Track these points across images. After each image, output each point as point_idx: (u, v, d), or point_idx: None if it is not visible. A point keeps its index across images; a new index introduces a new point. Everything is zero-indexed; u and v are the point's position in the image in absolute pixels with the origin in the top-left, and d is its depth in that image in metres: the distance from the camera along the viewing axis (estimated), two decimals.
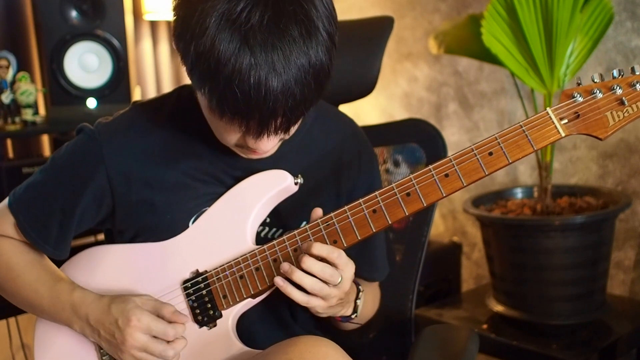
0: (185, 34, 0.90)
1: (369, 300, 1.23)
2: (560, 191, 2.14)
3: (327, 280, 0.98)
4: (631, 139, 2.19)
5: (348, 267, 1.02)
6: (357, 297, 1.11)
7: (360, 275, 1.16)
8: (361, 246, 1.07)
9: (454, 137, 2.70)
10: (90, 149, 1.10)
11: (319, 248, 0.99)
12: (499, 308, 2.05)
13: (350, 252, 1.04)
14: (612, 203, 1.99)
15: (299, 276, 0.98)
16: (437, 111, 2.77)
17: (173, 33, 0.94)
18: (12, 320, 2.27)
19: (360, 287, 1.13)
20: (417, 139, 1.43)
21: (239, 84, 0.87)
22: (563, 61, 1.89)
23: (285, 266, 1.00)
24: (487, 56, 1.98)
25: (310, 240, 1.02)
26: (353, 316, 1.12)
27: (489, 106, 2.59)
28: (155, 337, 1.02)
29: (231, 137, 0.99)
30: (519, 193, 2.24)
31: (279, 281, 1.00)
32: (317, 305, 1.01)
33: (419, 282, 1.39)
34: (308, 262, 0.98)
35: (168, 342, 1.03)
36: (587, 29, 1.90)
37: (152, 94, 2.90)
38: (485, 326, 2.06)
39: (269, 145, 0.98)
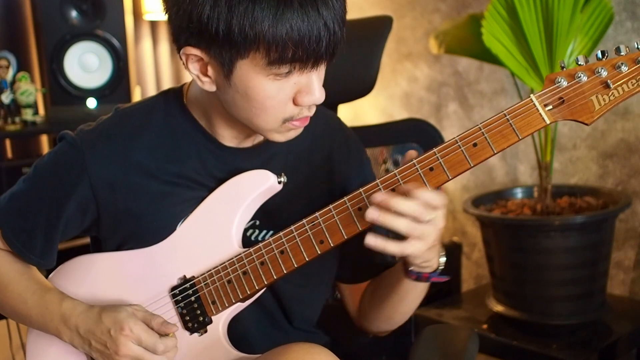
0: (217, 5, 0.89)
1: None
2: (560, 191, 2.14)
3: (419, 218, 0.92)
4: (631, 139, 2.19)
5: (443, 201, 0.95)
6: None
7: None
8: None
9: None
10: (72, 158, 1.07)
11: (425, 195, 0.92)
12: (499, 308, 2.05)
13: (351, 247, 1.03)
14: (612, 203, 1.99)
15: (391, 218, 0.92)
16: (437, 111, 2.77)
17: (182, 22, 0.93)
18: (12, 320, 2.27)
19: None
20: (417, 138, 1.43)
21: (295, 17, 0.88)
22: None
23: (375, 214, 0.92)
24: (487, 56, 1.98)
25: (297, 240, 1.00)
26: (439, 270, 1.04)
27: (489, 106, 2.59)
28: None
29: (285, 100, 0.97)
30: (519, 193, 2.24)
31: (370, 241, 0.93)
32: (415, 249, 0.94)
33: None
34: (398, 203, 0.91)
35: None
36: (587, 29, 1.90)
37: (152, 93, 2.89)
38: (485, 326, 2.06)
39: (320, 85, 0.97)
